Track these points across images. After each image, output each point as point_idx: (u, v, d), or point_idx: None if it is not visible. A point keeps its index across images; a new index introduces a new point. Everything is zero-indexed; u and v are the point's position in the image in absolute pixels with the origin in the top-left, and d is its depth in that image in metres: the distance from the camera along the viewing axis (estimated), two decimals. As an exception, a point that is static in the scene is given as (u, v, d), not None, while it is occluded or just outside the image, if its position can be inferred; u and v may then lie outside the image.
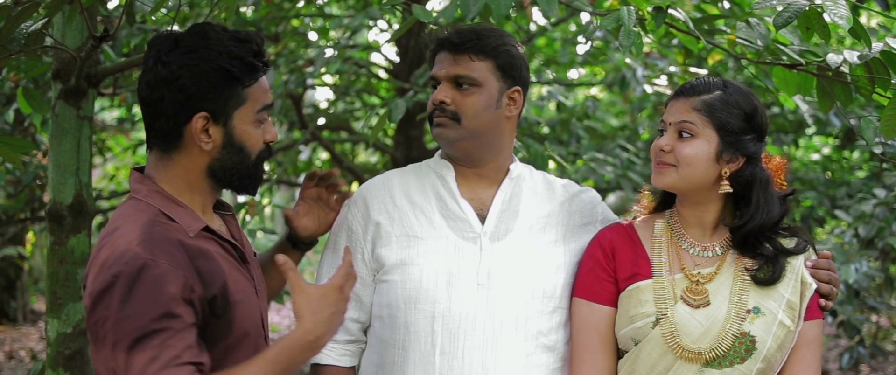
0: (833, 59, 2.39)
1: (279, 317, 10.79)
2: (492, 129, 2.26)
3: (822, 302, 2.22)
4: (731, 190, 2.17)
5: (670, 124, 2.18)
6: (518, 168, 2.36)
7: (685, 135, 2.16)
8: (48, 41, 2.87)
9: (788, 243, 2.20)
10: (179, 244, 1.84)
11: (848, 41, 5.54)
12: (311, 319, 1.81)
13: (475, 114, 2.23)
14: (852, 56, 2.38)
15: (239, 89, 1.91)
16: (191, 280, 1.81)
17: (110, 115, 9.07)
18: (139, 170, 2.01)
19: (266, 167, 2.04)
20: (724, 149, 2.15)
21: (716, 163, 2.16)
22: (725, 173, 2.17)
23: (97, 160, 7.84)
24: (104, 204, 6.75)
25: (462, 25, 2.36)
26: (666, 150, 2.17)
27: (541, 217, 2.32)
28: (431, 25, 2.87)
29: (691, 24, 2.49)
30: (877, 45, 2.33)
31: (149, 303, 1.75)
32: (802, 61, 2.52)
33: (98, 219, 5.59)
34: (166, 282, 1.77)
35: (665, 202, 2.31)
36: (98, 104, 6.50)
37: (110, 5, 4.42)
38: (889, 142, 3.13)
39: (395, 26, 6.07)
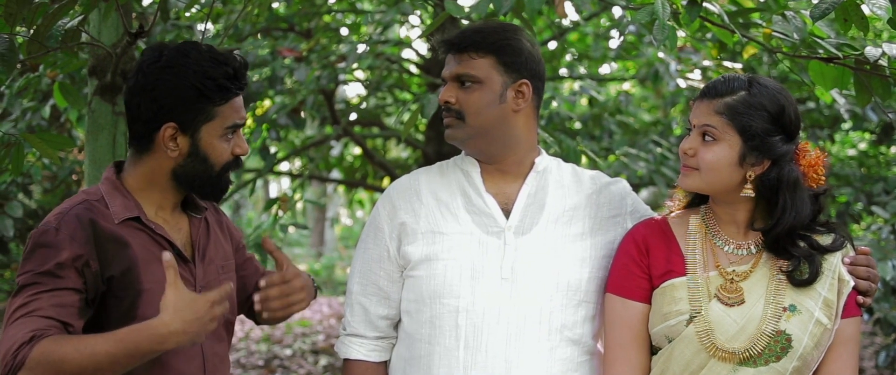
0: (871, 52, 2.36)
1: (311, 312, 10.86)
2: (498, 125, 2.26)
3: (860, 299, 2.18)
4: (753, 195, 2.14)
5: (695, 126, 2.16)
6: (544, 161, 2.36)
7: (708, 138, 2.13)
8: (84, 38, 2.90)
9: (825, 240, 2.17)
10: (90, 224, 2.03)
11: (885, 34, 5.46)
12: (171, 315, 1.89)
13: (478, 111, 2.24)
14: (891, 49, 2.35)
15: (209, 107, 2.08)
16: (86, 255, 2.01)
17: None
18: (121, 162, 2.22)
19: (231, 177, 2.20)
20: (747, 153, 2.11)
21: (739, 167, 2.12)
22: (750, 177, 2.13)
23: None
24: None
25: (488, 21, 2.36)
26: (689, 154, 2.15)
27: (567, 210, 2.31)
28: (463, 20, 2.87)
29: (726, 18, 2.47)
30: (916, 38, 2.30)
31: (39, 261, 1.99)
32: (839, 55, 2.49)
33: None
34: (59, 249, 1.99)
35: (700, 197, 2.29)
36: (133, 100, 6.54)
37: (145, 2, 4.47)
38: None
39: (427, 21, 6.08)
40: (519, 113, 2.28)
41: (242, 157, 2.17)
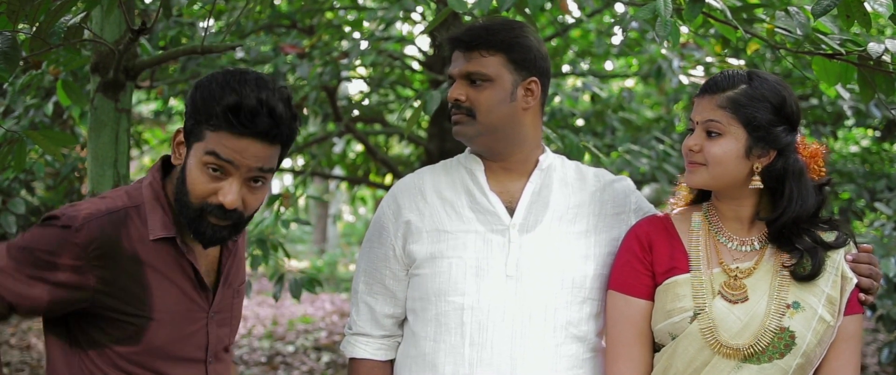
0: (874, 48, 2.35)
1: (313, 309, 10.87)
2: (508, 123, 2.26)
3: (863, 296, 2.18)
4: (761, 186, 2.14)
5: (698, 123, 2.16)
6: (548, 158, 2.36)
7: (713, 133, 2.13)
8: (87, 35, 2.90)
9: (828, 237, 2.17)
10: (112, 242, 1.90)
11: (889, 30, 5.45)
12: None
13: (489, 109, 2.24)
14: (894, 45, 2.34)
15: (201, 126, 1.89)
16: (86, 268, 1.88)
17: (147, 108, 9.16)
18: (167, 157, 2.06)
19: (217, 229, 1.94)
20: (753, 145, 2.12)
21: (746, 159, 2.13)
22: (757, 168, 2.14)
23: (134, 152, 7.93)
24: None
25: (495, 18, 2.36)
26: (695, 150, 2.15)
27: (571, 207, 2.31)
28: (465, 16, 2.87)
29: (729, 14, 2.46)
30: (919, 34, 2.29)
31: (45, 242, 1.88)
32: (843, 51, 2.49)
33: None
34: (66, 250, 1.87)
35: (703, 194, 2.29)
36: (135, 97, 6.57)
37: (147, -1, 4.46)
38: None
39: (429, 18, 6.07)
40: (528, 111, 2.28)
41: (229, 209, 1.90)
